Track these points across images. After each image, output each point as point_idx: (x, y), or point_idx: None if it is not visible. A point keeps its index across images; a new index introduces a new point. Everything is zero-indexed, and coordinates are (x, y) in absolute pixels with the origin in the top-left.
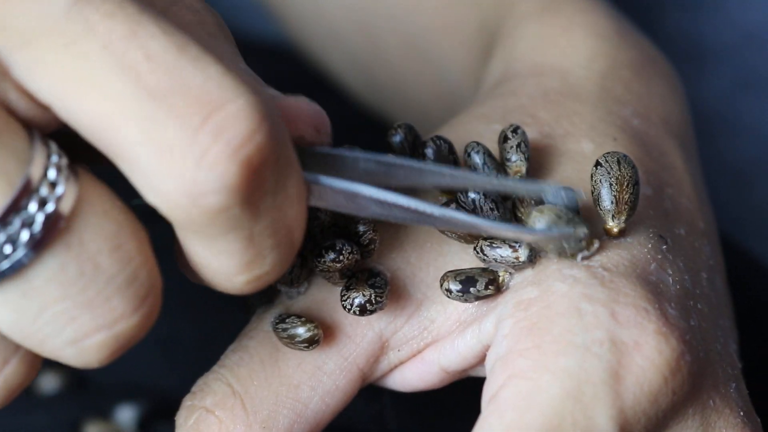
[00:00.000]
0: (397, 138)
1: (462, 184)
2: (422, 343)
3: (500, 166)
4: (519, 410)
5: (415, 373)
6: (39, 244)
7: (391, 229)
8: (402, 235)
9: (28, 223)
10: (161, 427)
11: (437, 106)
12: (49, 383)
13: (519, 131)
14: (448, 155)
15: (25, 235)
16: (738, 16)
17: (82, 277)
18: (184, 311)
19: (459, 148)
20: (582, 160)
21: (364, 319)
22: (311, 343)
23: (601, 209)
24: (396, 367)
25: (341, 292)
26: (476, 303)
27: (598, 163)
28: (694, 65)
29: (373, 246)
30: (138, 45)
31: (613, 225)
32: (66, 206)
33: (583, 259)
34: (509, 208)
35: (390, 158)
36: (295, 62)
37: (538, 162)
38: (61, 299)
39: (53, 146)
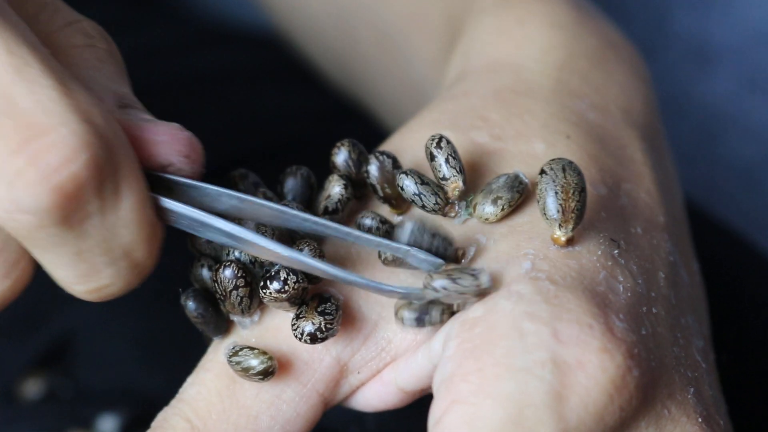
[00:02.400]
0: (340, 157)
1: (322, 233)
2: (381, 364)
3: (438, 187)
4: None
5: (375, 394)
6: None
7: (342, 250)
8: (354, 256)
9: None
10: None
11: (407, 99)
12: (32, 388)
13: (443, 143)
14: (391, 170)
15: None
16: (746, 17)
17: None
18: (162, 312)
19: (410, 158)
20: (533, 162)
21: (320, 345)
22: (266, 375)
23: (547, 219)
24: (357, 389)
25: (292, 321)
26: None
27: (542, 171)
28: (701, 65)
29: None
30: None
31: (560, 234)
32: None
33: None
34: None
35: (254, 199)
36: (281, 52)
37: (488, 167)
38: None
39: None
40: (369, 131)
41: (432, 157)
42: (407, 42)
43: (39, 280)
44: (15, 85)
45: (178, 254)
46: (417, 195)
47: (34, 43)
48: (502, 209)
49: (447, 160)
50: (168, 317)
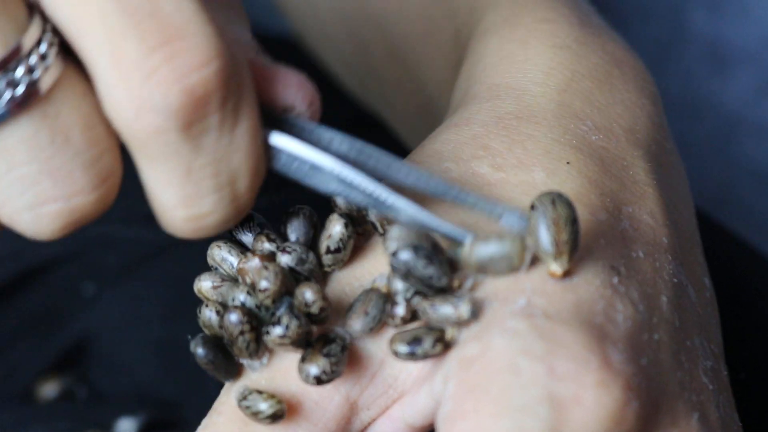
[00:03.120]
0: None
1: (424, 187)
2: (389, 400)
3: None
4: None
5: (386, 431)
6: (18, 106)
7: (347, 288)
8: (358, 293)
9: (13, 85)
10: None
11: (420, 115)
12: (49, 391)
13: (412, 262)
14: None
15: (7, 95)
16: (762, 20)
17: (52, 146)
18: (181, 318)
19: None
20: (533, 192)
21: (329, 384)
22: (275, 418)
23: (541, 253)
24: (368, 425)
25: (298, 365)
26: (428, 360)
27: (533, 206)
28: (717, 68)
29: (324, 314)
30: None
31: (555, 268)
32: (50, 78)
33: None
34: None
35: (364, 145)
36: (303, 57)
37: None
38: (28, 162)
39: (50, 26)
40: (388, 140)
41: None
42: (418, 60)
43: (59, 285)
44: None
45: (197, 262)
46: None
47: None
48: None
49: (436, 271)
50: (186, 323)
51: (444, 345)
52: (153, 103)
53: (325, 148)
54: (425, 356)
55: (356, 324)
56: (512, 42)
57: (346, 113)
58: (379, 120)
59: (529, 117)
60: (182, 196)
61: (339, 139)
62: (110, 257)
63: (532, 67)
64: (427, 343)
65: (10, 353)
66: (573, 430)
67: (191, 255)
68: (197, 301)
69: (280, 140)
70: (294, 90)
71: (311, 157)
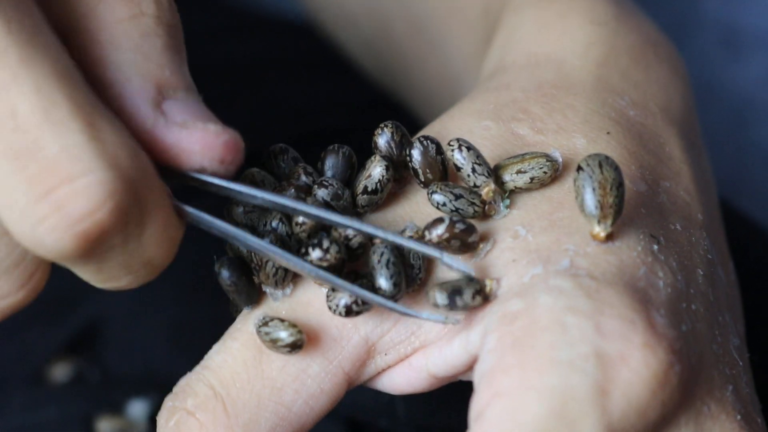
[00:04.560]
0: (383, 138)
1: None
2: (410, 348)
3: (471, 193)
4: (503, 431)
5: (404, 378)
6: None
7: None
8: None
9: None
10: None
11: (443, 92)
12: (61, 373)
13: (464, 151)
14: (434, 155)
15: None
16: None
17: None
18: (195, 298)
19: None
20: (573, 157)
21: (350, 322)
22: (294, 347)
23: (585, 215)
24: (383, 371)
25: (327, 293)
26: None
27: (579, 168)
28: (729, 52)
29: (361, 250)
30: (7, 101)
31: (599, 230)
32: None
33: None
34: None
35: (289, 201)
36: (317, 41)
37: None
38: None
39: None
40: (403, 123)
41: (458, 168)
42: (444, 36)
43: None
44: (42, 128)
45: (208, 245)
46: (454, 211)
47: (64, 73)
48: (531, 180)
49: (474, 169)
50: (198, 306)
51: (483, 297)
52: (46, 247)
53: (244, 200)
54: (465, 308)
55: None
56: (551, 15)
57: (362, 97)
58: (396, 102)
59: (569, 87)
60: (97, 280)
61: (252, 194)
62: None
63: (571, 40)
64: (467, 295)
65: (22, 336)
66: (619, 389)
67: (206, 236)
68: (211, 283)
69: (192, 212)
70: (200, 152)
71: (223, 227)
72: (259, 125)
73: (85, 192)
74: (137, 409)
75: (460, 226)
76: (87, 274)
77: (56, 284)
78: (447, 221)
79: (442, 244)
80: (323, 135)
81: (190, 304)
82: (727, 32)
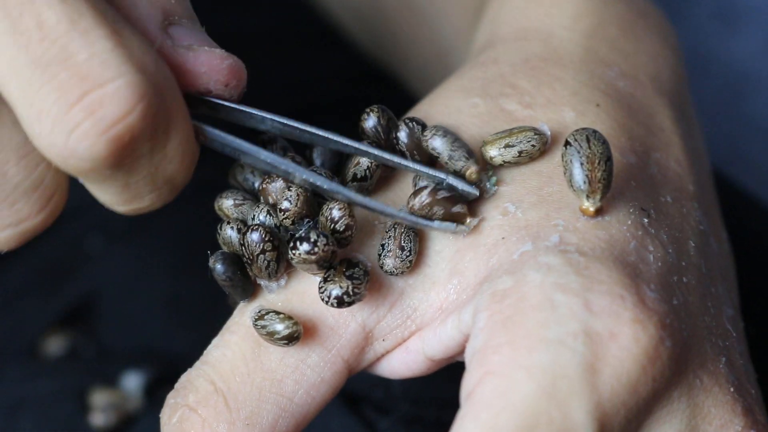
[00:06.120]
0: (369, 123)
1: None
2: (407, 332)
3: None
4: (494, 410)
5: (402, 363)
6: None
7: (371, 216)
8: (382, 221)
9: None
10: (167, 394)
11: (434, 66)
12: (55, 346)
13: (440, 135)
14: (421, 136)
15: None
16: None
17: None
18: (188, 274)
19: (438, 124)
20: (562, 130)
21: (346, 311)
22: (290, 339)
23: (574, 190)
24: (382, 356)
25: (319, 285)
26: (456, 291)
27: (567, 143)
28: (726, 25)
29: (349, 232)
30: (33, 12)
31: (588, 205)
32: None
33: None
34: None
35: (295, 123)
36: (310, 14)
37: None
38: None
39: None
40: (397, 96)
41: (436, 157)
42: (435, 11)
43: (65, 239)
44: (70, 36)
45: (205, 217)
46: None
47: None
48: (519, 154)
49: (450, 156)
50: (193, 279)
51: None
52: (79, 155)
53: (255, 126)
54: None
55: (390, 261)
56: None
57: (355, 70)
58: (387, 76)
59: (557, 60)
60: (120, 200)
61: (260, 117)
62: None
63: (560, 12)
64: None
65: (16, 308)
66: (608, 366)
67: (200, 209)
68: (205, 256)
69: (210, 131)
70: (206, 74)
71: (239, 144)
72: (254, 98)
73: (117, 95)
74: (131, 381)
75: (443, 194)
76: (112, 190)
77: (51, 255)
78: (429, 188)
79: (425, 211)
80: (315, 110)
81: (186, 278)
82: (723, 5)
